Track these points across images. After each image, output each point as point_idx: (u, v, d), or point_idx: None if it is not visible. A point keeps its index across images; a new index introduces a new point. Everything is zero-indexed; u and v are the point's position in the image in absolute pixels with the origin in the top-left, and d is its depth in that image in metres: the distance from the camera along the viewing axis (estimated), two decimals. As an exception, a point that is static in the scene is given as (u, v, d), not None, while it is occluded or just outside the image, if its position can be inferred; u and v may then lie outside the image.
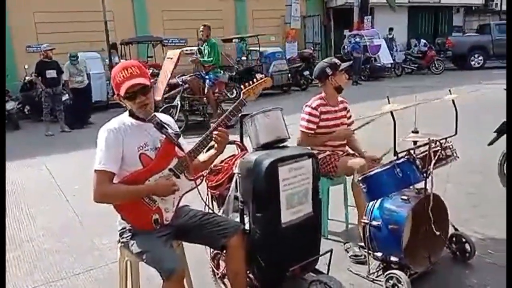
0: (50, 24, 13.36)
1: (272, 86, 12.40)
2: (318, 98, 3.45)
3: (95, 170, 2.07)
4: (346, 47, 16.45)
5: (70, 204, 4.76)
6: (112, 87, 2.22)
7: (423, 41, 17.55)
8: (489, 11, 24.23)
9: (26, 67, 11.05)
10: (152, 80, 2.26)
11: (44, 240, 3.90)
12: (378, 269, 2.85)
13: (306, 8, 19.39)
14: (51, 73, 9.07)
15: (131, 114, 2.22)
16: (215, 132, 2.24)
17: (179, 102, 8.37)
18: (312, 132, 3.39)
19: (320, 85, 3.54)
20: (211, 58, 8.51)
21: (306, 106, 3.43)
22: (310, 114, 3.38)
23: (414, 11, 22.07)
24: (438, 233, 2.75)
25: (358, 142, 3.55)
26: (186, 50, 9.93)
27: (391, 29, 17.51)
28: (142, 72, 2.14)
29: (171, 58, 9.05)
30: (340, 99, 3.56)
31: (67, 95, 9.80)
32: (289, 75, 13.69)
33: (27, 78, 11.03)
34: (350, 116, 3.61)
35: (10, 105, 10.02)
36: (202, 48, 8.80)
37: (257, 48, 13.89)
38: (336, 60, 3.50)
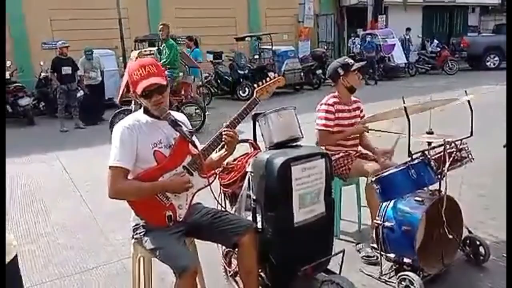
0: (65, 21, 13.50)
1: (285, 85, 12.28)
2: (332, 97, 3.44)
3: (110, 167, 2.09)
4: (351, 47, 16.30)
5: (84, 200, 4.81)
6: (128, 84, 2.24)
7: (435, 41, 17.35)
8: (506, 11, 23.83)
9: (41, 63, 11.20)
10: (168, 79, 2.28)
11: (58, 235, 3.95)
12: (390, 271, 2.83)
13: (320, 6, 19.30)
14: (66, 70, 9.19)
15: (146, 111, 2.24)
16: (223, 133, 2.25)
17: (133, 106, 7.46)
18: (330, 129, 3.35)
19: (332, 84, 3.53)
20: (165, 60, 8.00)
21: (321, 104, 3.42)
22: (326, 111, 3.36)
23: (428, 11, 21.83)
24: (451, 235, 2.72)
25: (369, 140, 3.54)
26: (145, 51, 9.41)
27: (408, 29, 17.33)
28: (159, 70, 2.17)
29: (132, 59, 8.38)
30: (353, 98, 3.54)
31: (82, 91, 9.91)
32: (302, 74, 13.64)
33: (42, 74, 11.17)
34: (364, 116, 3.58)
35: (25, 101, 10.16)
36: (161, 48, 8.37)
37: (270, 47, 13.87)
38: (349, 60, 3.47)
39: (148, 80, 2.11)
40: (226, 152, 2.35)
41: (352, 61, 3.47)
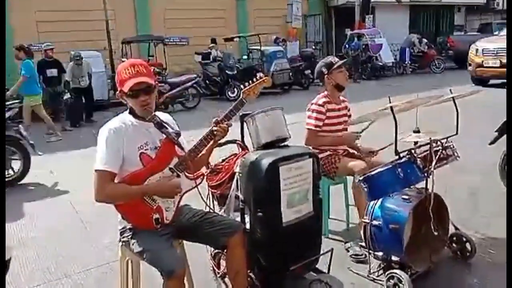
0: (51, 23, 13.38)
1: (273, 85, 12.37)
2: (323, 96, 3.46)
3: (96, 170, 2.07)
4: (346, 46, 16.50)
5: (71, 203, 4.76)
6: (115, 82, 2.22)
7: (424, 40, 17.52)
8: (491, 10, 24.17)
9: (27, 66, 11.05)
10: (156, 81, 2.27)
11: (44, 239, 3.90)
12: (379, 269, 2.85)
13: (308, 7, 19.39)
14: (51, 72, 9.09)
15: (132, 113, 2.22)
16: (215, 128, 2.25)
17: None
18: (319, 129, 3.37)
19: (321, 84, 3.56)
20: None
21: (312, 104, 3.43)
22: (317, 111, 3.37)
23: (415, 10, 22.05)
24: (438, 233, 2.75)
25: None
26: None
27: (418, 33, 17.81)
28: (148, 71, 2.16)
29: None
30: (341, 98, 3.57)
31: (68, 94, 9.81)
32: (290, 74, 13.68)
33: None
34: (350, 115, 3.61)
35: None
36: None
37: (259, 47, 13.89)
38: (333, 59, 3.50)
39: (136, 78, 2.09)
40: (212, 143, 2.31)
41: (336, 59, 3.49)
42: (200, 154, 2.34)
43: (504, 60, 10.61)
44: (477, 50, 11.81)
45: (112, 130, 2.12)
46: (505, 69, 10.56)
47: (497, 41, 11.66)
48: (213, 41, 14.45)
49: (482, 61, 11.52)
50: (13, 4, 12.99)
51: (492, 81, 11.45)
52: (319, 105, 3.38)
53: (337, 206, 3.69)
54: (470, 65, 11.98)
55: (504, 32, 12.28)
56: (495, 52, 11.29)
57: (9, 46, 12.96)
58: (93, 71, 11.01)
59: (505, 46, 10.71)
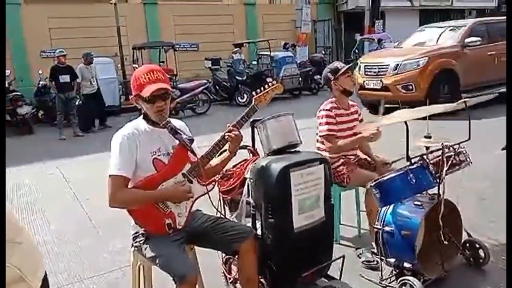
0: (64, 30, 13.57)
1: (283, 90, 12.32)
2: (330, 102, 3.46)
3: (110, 175, 2.09)
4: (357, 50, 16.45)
5: (83, 208, 4.81)
6: (128, 88, 2.26)
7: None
8: (502, 14, 23.96)
9: (40, 72, 11.23)
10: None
11: (57, 244, 3.94)
12: (391, 275, 2.82)
13: (317, 12, 19.42)
14: (64, 78, 9.20)
15: (145, 118, 2.25)
16: (227, 134, 2.27)
17: None
18: (335, 133, 3.32)
19: (329, 90, 3.56)
20: None
21: (320, 110, 3.42)
22: (327, 116, 3.35)
23: (425, 14, 21.96)
24: (451, 239, 2.72)
25: (369, 147, 3.53)
26: None
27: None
28: (165, 77, 2.20)
29: None
30: (350, 102, 3.56)
31: (79, 100, 9.91)
32: (300, 79, 13.69)
33: (41, 83, 11.19)
34: (362, 120, 3.59)
35: (24, 110, 10.16)
36: None
37: (268, 53, 13.92)
38: (338, 64, 3.49)
39: (156, 84, 2.12)
40: (229, 154, 2.35)
41: (342, 65, 3.48)
42: (216, 164, 2.36)
43: (386, 81, 8.52)
44: (359, 67, 9.34)
45: (125, 136, 2.15)
46: (387, 93, 8.19)
47: (383, 56, 9.37)
48: (237, 45, 14.38)
49: (364, 82, 8.96)
50: (26, 11, 13.22)
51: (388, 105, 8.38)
52: (327, 110, 3.37)
53: (349, 212, 3.67)
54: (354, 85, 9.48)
55: (405, 43, 9.95)
56: (376, 71, 8.83)
57: (23, 53, 13.25)
58: (105, 77, 11.12)
59: (388, 63, 8.67)
